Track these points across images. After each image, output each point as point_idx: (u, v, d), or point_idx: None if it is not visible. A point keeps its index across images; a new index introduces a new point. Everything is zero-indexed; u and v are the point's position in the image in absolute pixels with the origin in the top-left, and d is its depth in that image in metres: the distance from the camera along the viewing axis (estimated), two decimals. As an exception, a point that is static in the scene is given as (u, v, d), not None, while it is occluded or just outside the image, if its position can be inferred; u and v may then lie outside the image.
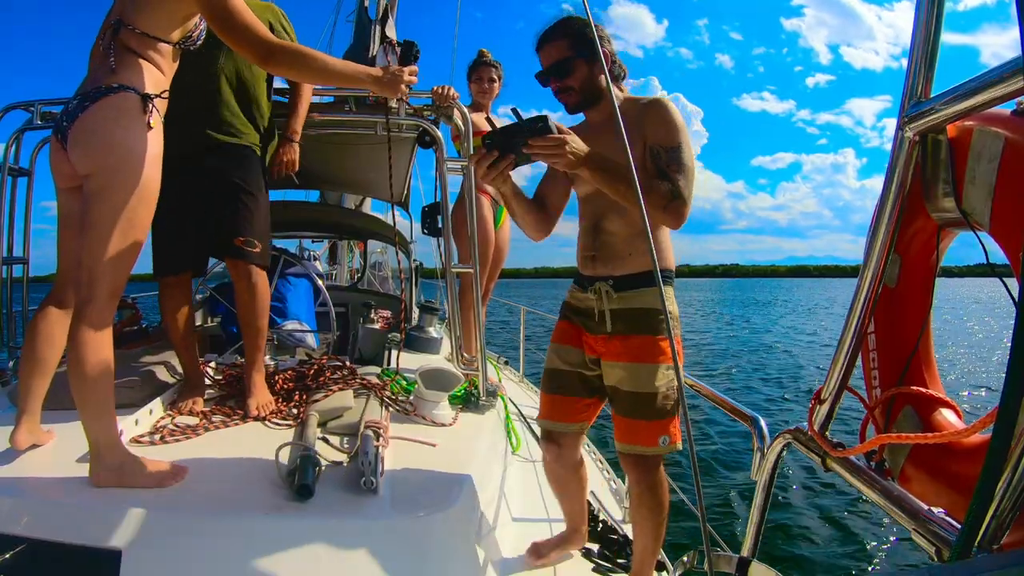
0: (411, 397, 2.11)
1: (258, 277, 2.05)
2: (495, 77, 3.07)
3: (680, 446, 1.56)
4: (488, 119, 1.60)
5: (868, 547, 4.17)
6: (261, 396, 1.98)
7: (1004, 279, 0.94)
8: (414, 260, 4.77)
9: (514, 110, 1.47)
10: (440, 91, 2.27)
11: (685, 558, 1.27)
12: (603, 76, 1.55)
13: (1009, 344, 0.58)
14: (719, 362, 13.18)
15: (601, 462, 3.09)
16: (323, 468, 1.47)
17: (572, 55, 1.56)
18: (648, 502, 1.59)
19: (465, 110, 2.26)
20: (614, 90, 1.56)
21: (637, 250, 1.58)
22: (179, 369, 2.20)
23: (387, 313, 3.86)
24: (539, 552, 1.81)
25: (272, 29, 2.10)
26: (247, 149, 2.07)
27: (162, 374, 2.08)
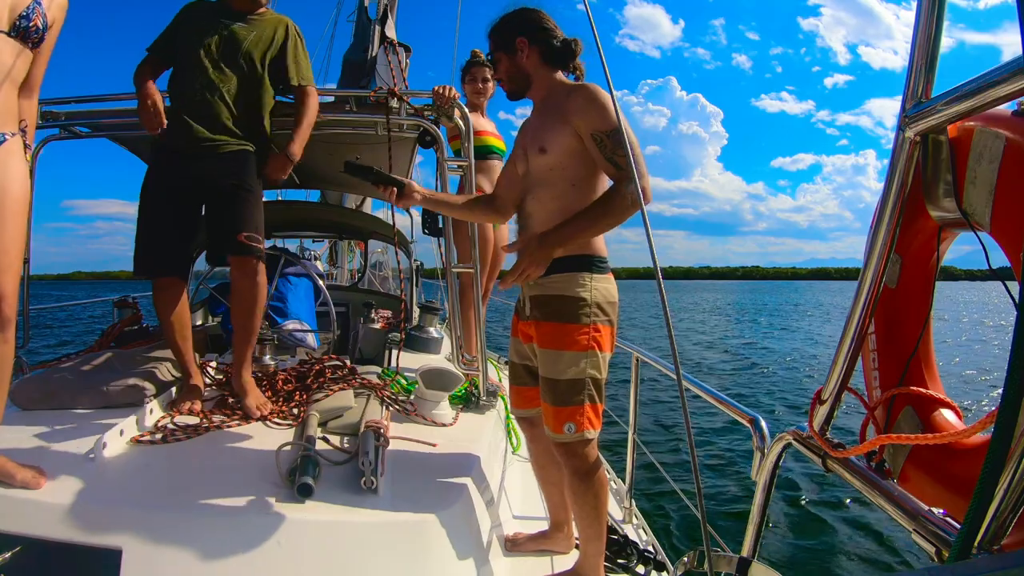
0: (411, 397, 2.11)
1: (262, 274, 2.05)
2: (488, 77, 3.05)
3: (590, 435, 1.55)
4: (347, 162, 1.76)
5: (868, 547, 4.16)
6: (256, 395, 1.99)
7: (1004, 280, 0.94)
8: (415, 260, 4.77)
9: (347, 163, 1.77)
10: (441, 91, 2.27)
11: (685, 558, 1.27)
12: (525, 61, 1.66)
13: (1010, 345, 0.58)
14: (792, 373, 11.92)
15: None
16: (323, 468, 1.47)
17: (492, 51, 1.71)
18: (574, 488, 1.59)
19: (466, 110, 2.26)
20: (545, 72, 1.66)
21: None
22: (180, 368, 2.20)
23: (388, 313, 3.87)
24: (515, 542, 1.84)
25: (285, 37, 2.13)
26: (243, 153, 2.06)
27: (162, 374, 2.09)
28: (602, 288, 1.56)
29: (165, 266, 2.04)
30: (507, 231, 3.31)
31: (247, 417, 1.88)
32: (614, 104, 1.46)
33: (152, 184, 2.04)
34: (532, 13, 1.68)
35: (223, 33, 2.03)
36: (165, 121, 1.95)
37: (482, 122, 3.04)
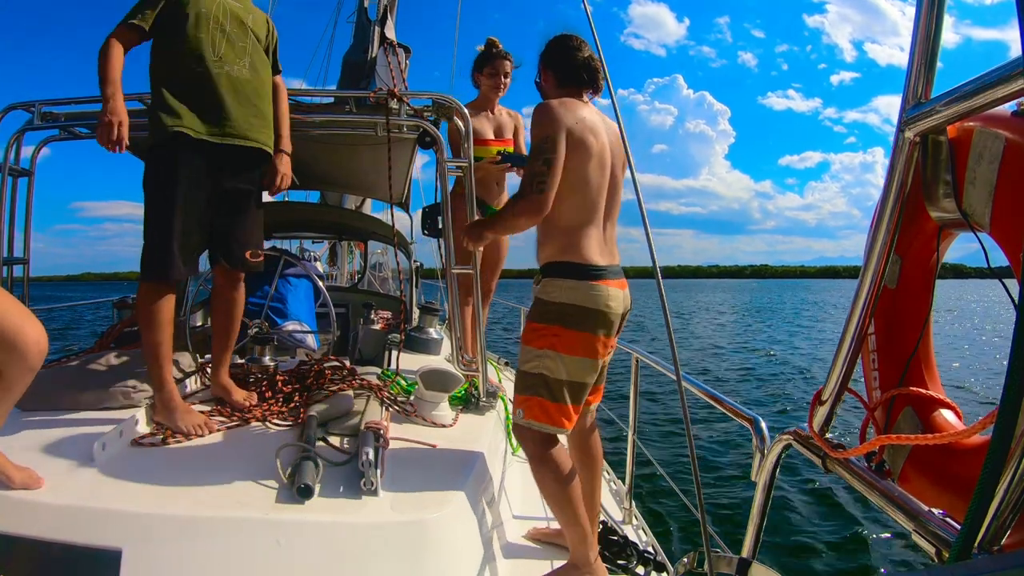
0: (411, 398, 2.11)
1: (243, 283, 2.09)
2: (508, 71, 2.80)
3: (536, 426, 1.63)
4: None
5: (868, 548, 4.16)
6: (240, 391, 2.04)
7: (1004, 280, 0.94)
8: (414, 261, 4.77)
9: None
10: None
11: (685, 559, 1.27)
12: (545, 85, 1.84)
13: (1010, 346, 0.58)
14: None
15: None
16: (323, 468, 1.47)
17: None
18: (532, 472, 1.70)
19: (466, 111, 2.25)
20: (562, 95, 1.76)
21: (545, 242, 1.72)
22: (179, 370, 2.19)
23: (387, 314, 3.87)
24: (539, 531, 1.95)
25: (268, 25, 2.07)
26: (265, 154, 2.01)
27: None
28: (572, 294, 1.63)
29: (192, 265, 1.91)
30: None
31: (247, 418, 1.87)
32: (614, 107, 1.49)
33: (177, 173, 1.81)
34: (555, 40, 1.82)
35: (223, 6, 1.91)
36: (126, 145, 1.76)
37: (486, 126, 2.83)
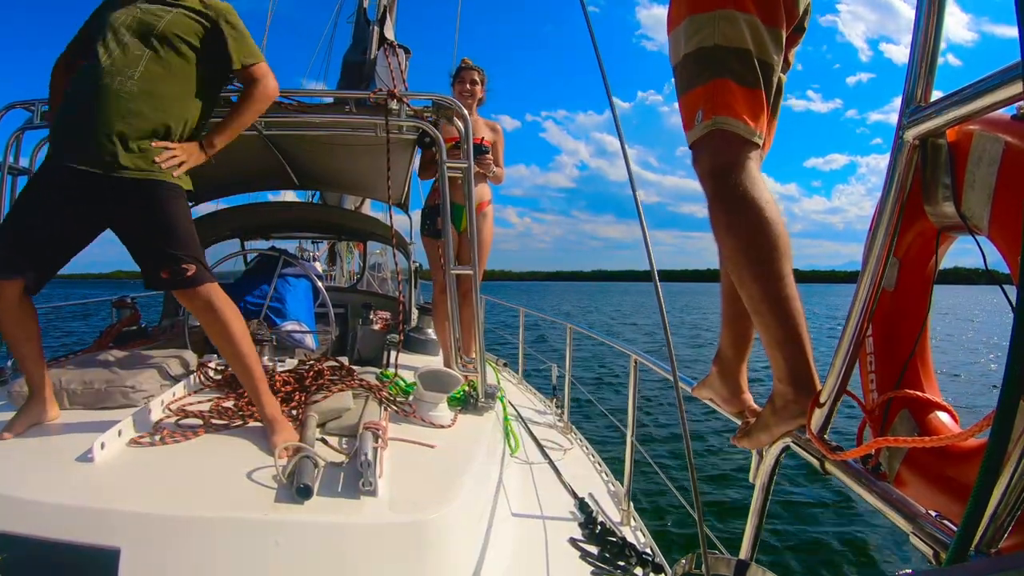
0: (410, 398, 2.11)
1: (216, 297, 1.73)
2: (477, 79, 3.09)
3: None
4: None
5: (865, 550, 4.17)
6: (285, 432, 1.70)
7: (1002, 284, 0.94)
8: (414, 261, 4.78)
9: None
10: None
11: (683, 560, 1.27)
12: None
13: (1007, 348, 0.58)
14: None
15: (600, 464, 3.09)
16: (322, 469, 1.47)
17: None
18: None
19: (465, 113, 2.26)
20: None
21: None
22: (178, 368, 2.19)
23: (386, 314, 3.87)
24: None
25: (217, 17, 1.82)
26: (161, 186, 1.71)
27: (162, 374, 2.09)
28: None
29: (11, 267, 1.64)
30: (487, 235, 3.20)
31: (245, 418, 1.87)
32: (613, 112, 1.47)
33: (42, 183, 1.71)
34: None
35: (135, 14, 1.75)
36: None
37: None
